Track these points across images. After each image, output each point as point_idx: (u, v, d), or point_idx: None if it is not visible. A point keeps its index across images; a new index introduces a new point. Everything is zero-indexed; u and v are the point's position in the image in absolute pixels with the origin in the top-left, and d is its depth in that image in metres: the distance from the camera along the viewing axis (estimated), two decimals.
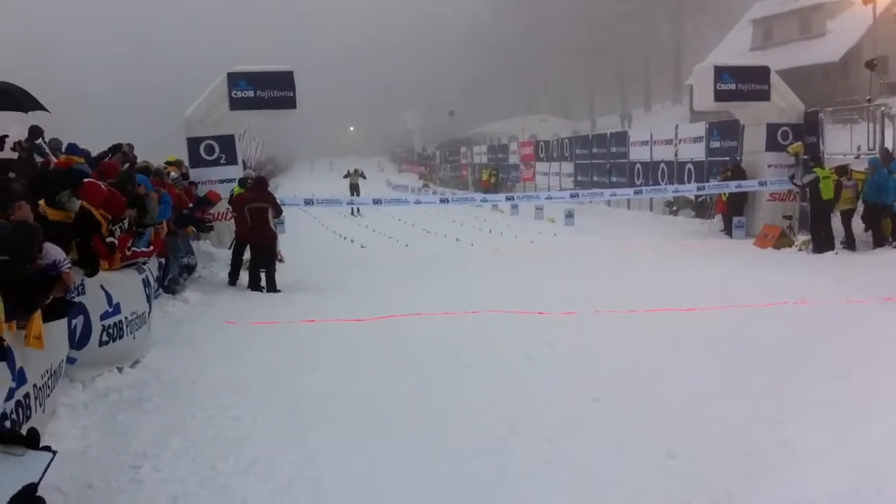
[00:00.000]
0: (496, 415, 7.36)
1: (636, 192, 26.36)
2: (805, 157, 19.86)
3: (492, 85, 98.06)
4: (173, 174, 15.39)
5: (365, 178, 38.08)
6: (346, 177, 37.60)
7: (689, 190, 24.59)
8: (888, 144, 19.27)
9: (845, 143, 21.72)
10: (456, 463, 6.30)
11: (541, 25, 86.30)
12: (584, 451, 6.48)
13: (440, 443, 6.71)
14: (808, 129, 21.03)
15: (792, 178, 19.93)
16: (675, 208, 27.56)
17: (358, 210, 33.18)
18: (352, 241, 23.51)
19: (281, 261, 16.90)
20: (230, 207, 16.58)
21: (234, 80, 19.06)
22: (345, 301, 13.59)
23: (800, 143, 20.50)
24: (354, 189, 36.54)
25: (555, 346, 10.04)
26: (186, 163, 18.58)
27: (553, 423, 7.14)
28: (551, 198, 27.93)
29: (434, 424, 7.15)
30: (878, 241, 17.75)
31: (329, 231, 26.81)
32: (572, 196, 27.43)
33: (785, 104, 21.30)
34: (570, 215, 26.55)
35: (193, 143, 19.02)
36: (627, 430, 6.90)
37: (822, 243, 18.05)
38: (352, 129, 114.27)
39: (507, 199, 29.01)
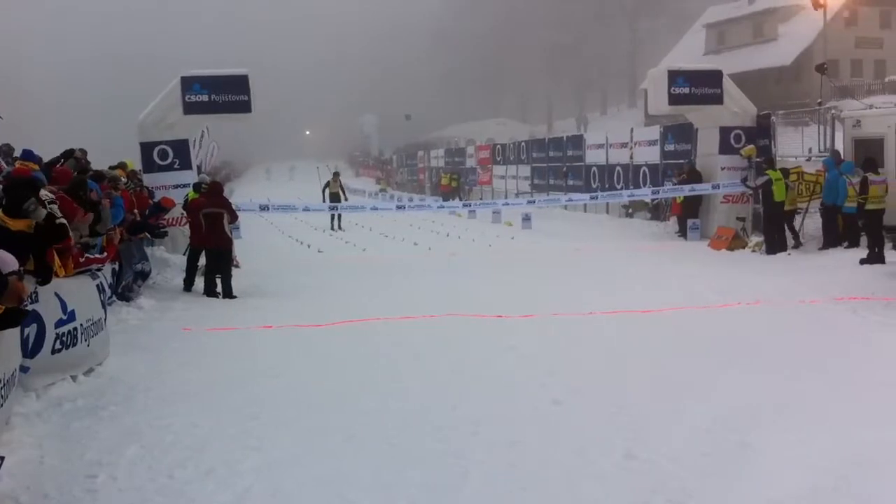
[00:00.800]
0: (458, 418, 7.36)
1: (592, 198, 26.56)
2: (758, 159, 20.10)
3: (450, 88, 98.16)
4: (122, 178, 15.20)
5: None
6: (326, 187, 30.57)
7: (644, 194, 24.82)
8: (838, 147, 19.56)
9: (797, 146, 22.02)
10: (419, 466, 6.28)
11: (500, 29, 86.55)
12: (546, 453, 6.50)
13: (403, 447, 6.68)
14: (761, 132, 21.30)
15: (745, 180, 20.16)
16: (630, 211, 27.78)
17: (339, 224, 28.63)
18: (308, 246, 23.38)
19: (237, 266, 16.77)
20: (185, 213, 16.43)
21: (188, 83, 18.86)
22: (303, 306, 13.51)
23: (752, 146, 20.75)
24: (336, 200, 29.76)
25: (515, 349, 10.07)
26: (139, 167, 18.36)
27: (514, 425, 7.15)
28: (508, 204, 28.16)
29: (397, 428, 7.12)
30: (831, 242, 17.99)
31: (286, 236, 26.65)
32: (529, 203, 27.55)
33: (738, 108, 21.56)
34: (527, 218, 26.68)
35: (147, 148, 18.80)
36: (588, 432, 6.94)
37: (775, 244, 18.28)
38: (308, 132, 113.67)
39: (465, 205, 29.21)
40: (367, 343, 10.67)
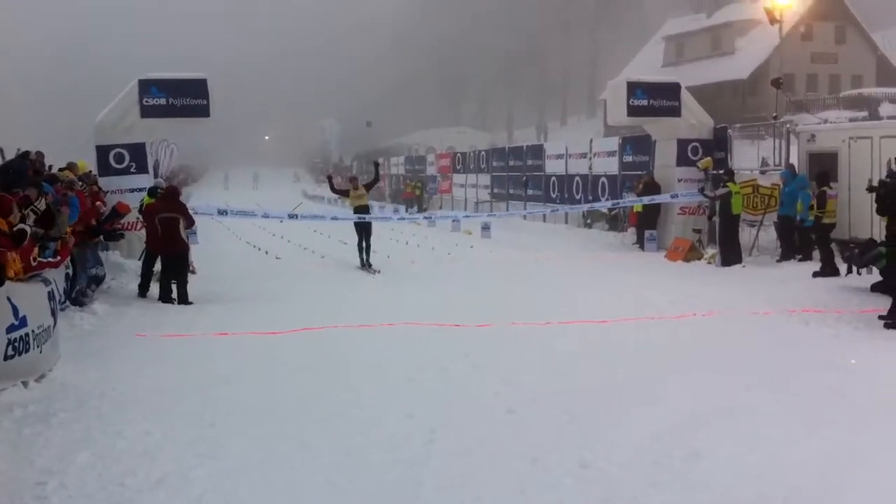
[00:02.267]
0: (413, 426, 7.36)
1: (552, 211, 26.67)
2: (719, 171, 20.23)
3: (410, 95, 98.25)
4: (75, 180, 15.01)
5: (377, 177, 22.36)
6: (338, 192, 22.03)
7: (602, 206, 25.00)
8: (793, 160, 19.84)
9: (752, 159, 22.32)
10: (374, 474, 6.29)
11: (462, 35, 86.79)
12: (500, 461, 6.53)
13: (357, 454, 6.68)
14: (717, 145, 21.54)
15: (702, 190, 20.27)
16: (589, 221, 27.97)
17: (368, 258, 19.57)
18: (266, 253, 23.24)
19: (193, 272, 16.64)
20: (140, 217, 16.28)
21: (146, 86, 18.67)
22: (260, 313, 13.43)
23: (709, 158, 20.97)
24: (364, 213, 20.43)
25: (471, 357, 10.08)
26: (95, 171, 18.15)
27: (469, 434, 7.17)
28: (469, 216, 28.22)
29: (351, 436, 7.12)
30: (787, 254, 18.25)
31: (243, 242, 26.48)
32: (489, 216, 27.58)
33: (695, 120, 21.78)
34: (486, 228, 26.75)
35: (103, 151, 18.58)
36: (541, 441, 6.97)
37: (730, 256, 18.47)
38: (267, 138, 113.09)
39: (425, 218, 29.26)
40: (323, 351, 10.64)
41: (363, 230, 19.57)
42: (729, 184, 18.83)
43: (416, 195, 44.00)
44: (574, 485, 6.09)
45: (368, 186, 21.00)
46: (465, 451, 6.76)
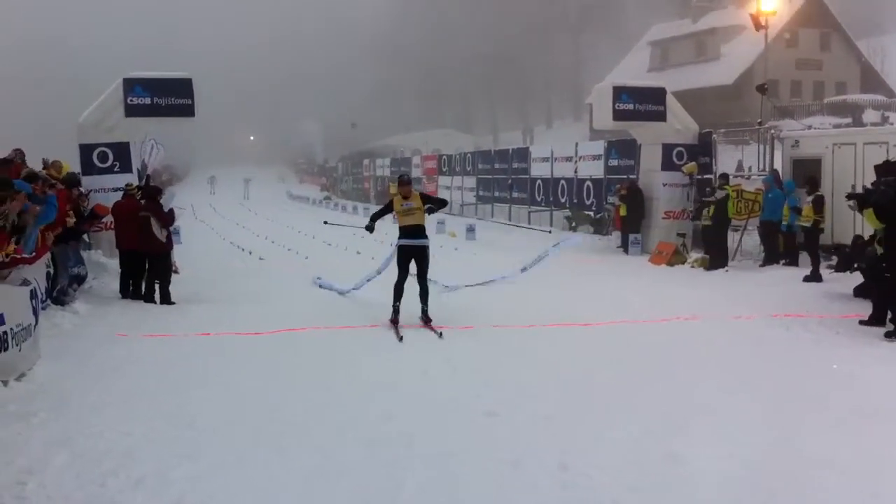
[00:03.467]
0: (393, 429, 7.35)
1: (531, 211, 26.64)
2: (705, 176, 20.21)
3: (395, 98, 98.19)
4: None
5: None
6: (382, 212, 13.30)
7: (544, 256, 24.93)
8: (777, 166, 19.92)
9: (736, 164, 22.40)
10: (352, 477, 6.27)
11: (449, 37, 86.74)
12: (480, 464, 6.52)
13: (337, 457, 6.66)
14: (702, 150, 21.62)
15: (703, 193, 19.83)
16: (574, 224, 27.99)
17: (426, 307, 12.54)
18: (250, 253, 23.17)
19: (176, 272, 16.55)
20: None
21: (130, 85, 18.59)
22: (242, 314, 13.37)
23: (694, 163, 21.04)
24: (415, 236, 12.59)
25: (451, 360, 10.08)
26: (78, 169, 18.03)
27: (449, 437, 7.16)
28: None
29: (331, 438, 7.10)
30: (771, 258, 18.32)
31: (227, 242, 26.39)
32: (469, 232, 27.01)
33: (680, 125, 21.84)
34: (471, 229, 26.75)
35: (86, 150, 18.49)
36: (522, 444, 6.97)
37: (716, 260, 18.50)
38: (252, 138, 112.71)
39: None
40: (304, 352, 10.61)
41: (411, 261, 12.56)
42: (727, 187, 18.87)
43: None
44: (554, 488, 6.09)
45: (427, 200, 12.93)
46: (445, 453, 6.75)
